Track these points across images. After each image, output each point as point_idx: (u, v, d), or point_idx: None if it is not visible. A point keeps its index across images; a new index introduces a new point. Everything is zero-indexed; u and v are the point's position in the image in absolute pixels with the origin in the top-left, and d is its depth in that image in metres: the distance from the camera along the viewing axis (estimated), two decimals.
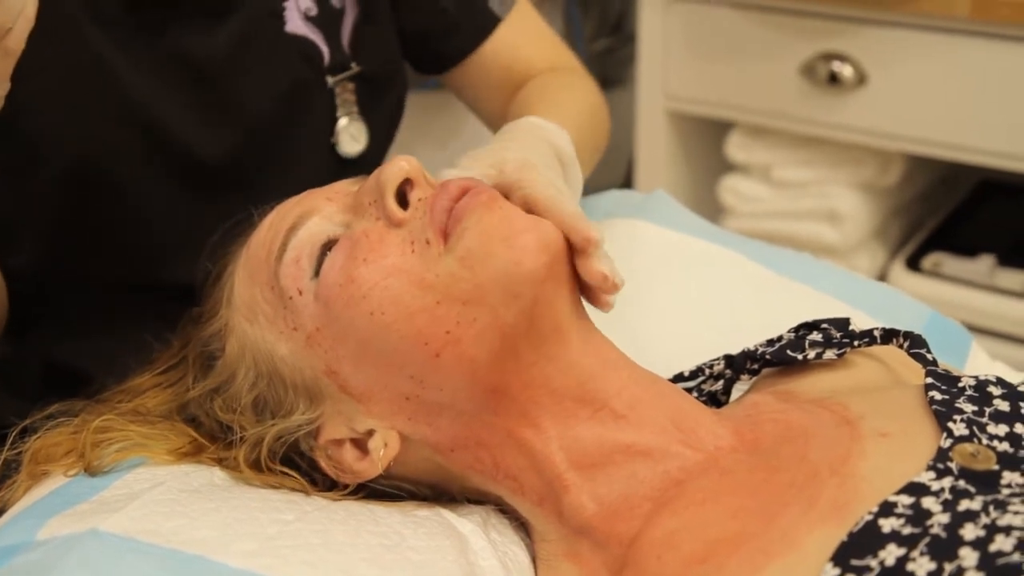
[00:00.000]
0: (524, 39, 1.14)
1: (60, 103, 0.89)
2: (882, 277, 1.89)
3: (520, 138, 0.90)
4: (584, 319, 0.78)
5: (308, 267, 0.77)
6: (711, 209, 1.99)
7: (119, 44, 0.90)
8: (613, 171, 2.31)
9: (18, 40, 0.73)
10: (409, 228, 0.76)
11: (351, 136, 1.03)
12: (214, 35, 0.94)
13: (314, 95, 1.01)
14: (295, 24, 0.99)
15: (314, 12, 1.01)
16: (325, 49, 1.01)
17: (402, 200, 0.77)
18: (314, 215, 0.79)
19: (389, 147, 1.12)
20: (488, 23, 1.12)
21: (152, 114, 0.92)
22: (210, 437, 0.83)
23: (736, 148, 1.93)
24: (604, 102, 1.16)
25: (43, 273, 0.96)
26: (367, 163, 1.05)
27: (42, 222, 0.93)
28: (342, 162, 1.04)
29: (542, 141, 0.90)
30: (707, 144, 2.04)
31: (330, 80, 1.02)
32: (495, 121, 1.15)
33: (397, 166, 0.77)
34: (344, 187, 0.82)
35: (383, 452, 0.77)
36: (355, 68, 1.03)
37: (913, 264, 1.87)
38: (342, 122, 1.03)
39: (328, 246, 0.77)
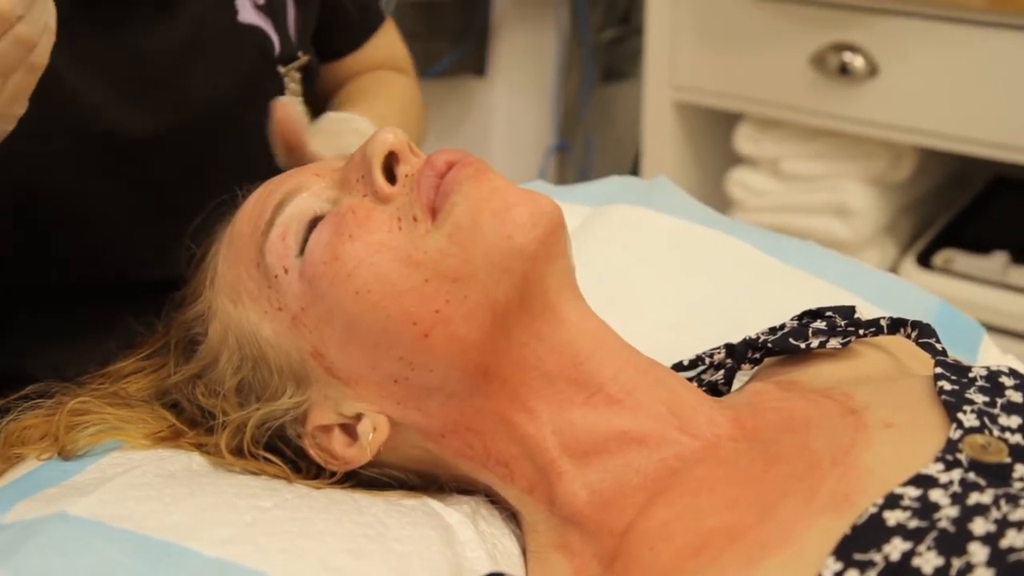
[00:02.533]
0: (395, 39, 1.20)
1: None
2: (892, 273, 1.86)
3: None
4: (578, 299, 0.76)
5: (294, 244, 0.75)
6: (719, 202, 1.97)
7: (67, 41, 0.87)
8: (620, 163, 2.29)
9: (43, 55, 0.69)
10: (396, 204, 0.73)
11: None
12: (166, 28, 0.92)
13: (267, 86, 0.99)
14: (247, 14, 0.97)
15: (263, 0, 0.99)
16: (275, 38, 0.99)
17: (390, 175, 0.74)
18: (302, 191, 0.77)
19: None
20: (375, 22, 1.16)
21: (85, 102, 0.89)
22: (190, 422, 0.81)
23: (744, 140, 1.91)
24: (420, 98, 1.23)
25: None
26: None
27: None
28: None
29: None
30: (715, 136, 2.01)
31: (281, 70, 1.00)
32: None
33: (382, 139, 0.74)
34: (333, 163, 0.80)
35: (372, 437, 0.74)
36: (302, 57, 1.02)
37: (924, 261, 1.85)
38: None
39: (315, 223, 0.75)
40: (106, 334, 0.88)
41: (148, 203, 0.91)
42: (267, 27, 0.98)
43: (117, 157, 0.90)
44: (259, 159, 0.96)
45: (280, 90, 1.00)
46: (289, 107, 0.90)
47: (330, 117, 0.97)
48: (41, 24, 0.68)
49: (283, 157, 0.91)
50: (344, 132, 0.94)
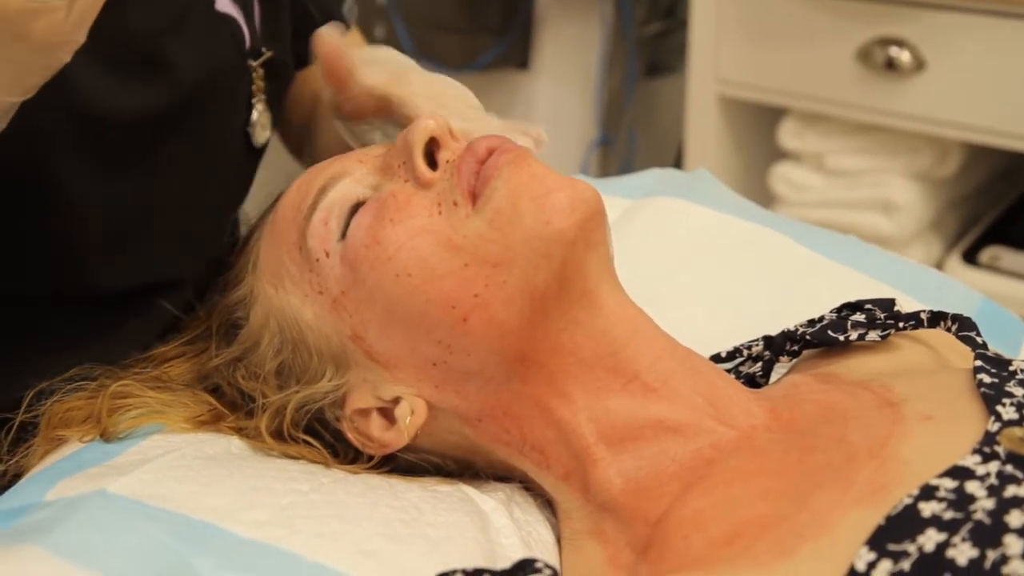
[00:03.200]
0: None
1: None
2: (937, 270, 1.84)
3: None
4: (617, 287, 0.76)
5: (336, 228, 0.75)
6: (762, 197, 1.95)
7: None
8: (663, 158, 2.28)
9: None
10: (437, 189, 0.74)
11: (261, 126, 0.98)
12: (154, 6, 0.86)
13: (239, 79, 0.95)
14: (223, 3, 0.93)
15: None
16: (246, 30, 0.96)
17: (432, 160, 0.75)
18: (345, 177, 0.78)
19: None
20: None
21: (69, 83, 0.81)
22: (231, 406, 0.82)
23: (789, 135, 1.89)
24: None
25: None
26: (261, 154, 1.01)
27: None
28: (250, 152, 0.98)
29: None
30: (759, 131, 2.00)
31: (251, 64, 0.96)
32: (289, 125, 1.10)
33: (423, 125, 0.74)
34: (376, 150, 0.81)
35: (409, 420, 0.75)
36: (267, 53, 0.97)
37: (970, 257, 1.83)
38: (258, 109, 0.97)
39: (357, 208, 0.75)
40: (73, 346, 0.83)
41: (123, 192, 0.86)
42: (239, 17, 0.95)
43: (99, 136, 0.85)
44: (221, 150, 0.94)
45: (249, 84, 0.96)
46: (333, 37, 0.87)
47: (370, 48, 0.93)
48: None
49: (330, 93, 0.88)
50: (390, 60, 0.90)
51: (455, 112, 0.84)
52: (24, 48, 0.64)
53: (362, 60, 0.87)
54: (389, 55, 0.93)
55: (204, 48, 0.90)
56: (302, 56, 1.05)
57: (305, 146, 1.13)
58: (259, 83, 0.96)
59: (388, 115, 0.88)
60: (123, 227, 0.86)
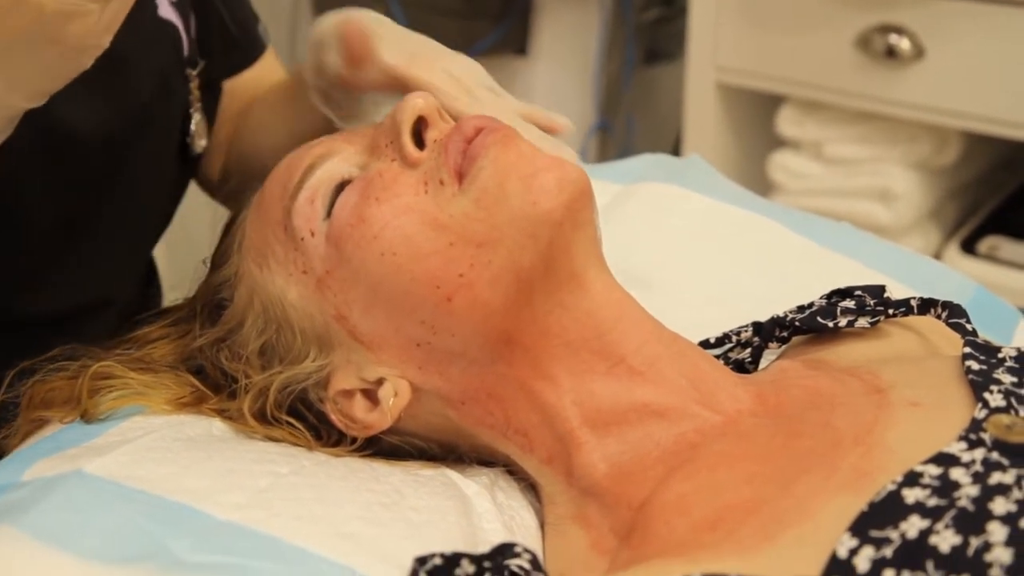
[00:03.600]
0: (275, 68, 1.10)
1: None
2: (936, 260, 1.84)
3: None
4: (604, 270, 0.75)
5: (321, 207, 0.75)
6: (760, 185, 1.95)
7: None
8: (661, 144, 2.28)
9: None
10: (424, 168, 0.73)
11: (199, 134, 0.96)
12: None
13: (178, 86, 0.94)
14: (165, 9, 0.92)
15: None
16: (185, 39, 0.94)
17: (419, 140, 0.74)
18: (333, 156, 0.77)
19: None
20: (256, 51, 1.07)
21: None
22: (213, 387, 0.81)
23: (787, 123, 1.88)
24: None
25: None
26: (200, 165, 0.99)
27: None
28: (185, 162, 0.97)
29: None
30: (757, 118, 1.99)
31: (190, 73, 0.95)
32: (217, 147, 1.06)
33: (412, 103, 0.74)
34: (364, 130, 0.80)
35: (393, 401, 0.74)
36: (202, 63, 0.96)
37: (968, 247, 1.82)
38: (195, 119, 0.96)
39: (343, 187, 0.75)
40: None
41: (72, 208, 0.84)
42: (180, 25, 0.93)
43: (57, 153, 0.84)
44: (167, 161, 0.92)
45: (187, 92, 0.94)
46: (355, 13, 0.84)
47: (392, 25, 0.90)
48: None
49: (348, 72, 0.85)
50: (409, 38, 0.87)
51: (475, 96, 0.83)
52: (54, 51, 0.64)
53: (384, 38, 0.85)
54: (406, 34, 0.90)
55: (152, 52, 0.89)
56: (217, 70, 1.02)
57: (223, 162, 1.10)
58: (195, 92, 0.95)
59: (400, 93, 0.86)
60: (63, 246, 0.84)
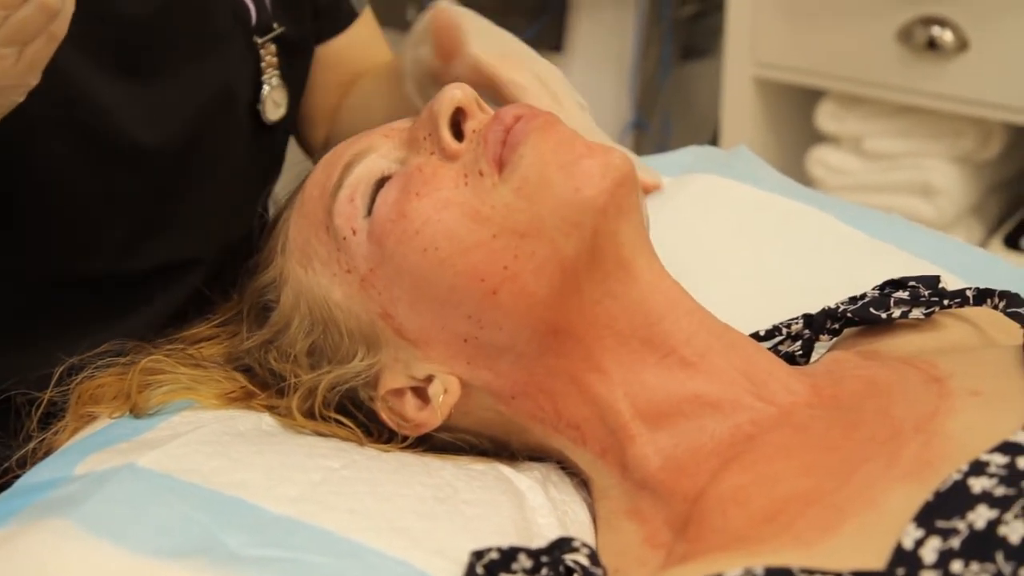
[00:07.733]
0: (373, 41, 1.12)
1: None
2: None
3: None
4: (653, 258, 0.74)
5: (362, 205, 0.74)
6: (799, 181, 1.91)
7: None
8: (698, 141, 2.25)
9: (63, 24, 0.66)
10: (463, 160, 0.72)
11: (274, 102, 0.97)
12: None
13: (243, 57, 0.94)
14: None
15: None
16: (252, 6, 0.94)
17: (458, 132, 0.74)
18: (371, 153, 0.76)
19: (298, 113, 1.06)
20: (345, 18, 1.09)
21: (79, 88, 0.82)
22: (262, 385, 0.81)
23: (827, 118, 1.87)
24: None
25: None
26: (280, 130, 1.00)
27: None
28: (262, 128, 0.97)
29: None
30: (796, 113, 1.98)
31: (257, 40, 0.95)
32: (321, 116, 1.09)
33: (449, 95, 0.73)
34: (402, 124, 0.79)
35: (442, 399, 0.73)
36: (277, 28, 0.96)
37: (1012, 242, 1.80)
38: (267, 87, 0.96)
39: (382, 183, 0.74)
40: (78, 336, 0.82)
41: (133, 188, 0.86)
42: None
43: (118, 152, 0.86)
44: (231, 136, 0.93)
45: (256, 63, 0.95)
46: (448, 7, 0.85)
47: (488, 24, 0.92)
48: None
49: (439, 65, 0.85)
50: (496, 34, 0.87)
51: (561, 104, 0.82)
52: None
53: (475, 33, 0.85)
54: (504, 34, 0.91)
55: (198, 34, 0.89)
56: (320, 35, 1.04)
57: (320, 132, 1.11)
58: (270, 59, 0.95)
59: (490, 92, 0.86)
60: (146, 215, 0.85)
